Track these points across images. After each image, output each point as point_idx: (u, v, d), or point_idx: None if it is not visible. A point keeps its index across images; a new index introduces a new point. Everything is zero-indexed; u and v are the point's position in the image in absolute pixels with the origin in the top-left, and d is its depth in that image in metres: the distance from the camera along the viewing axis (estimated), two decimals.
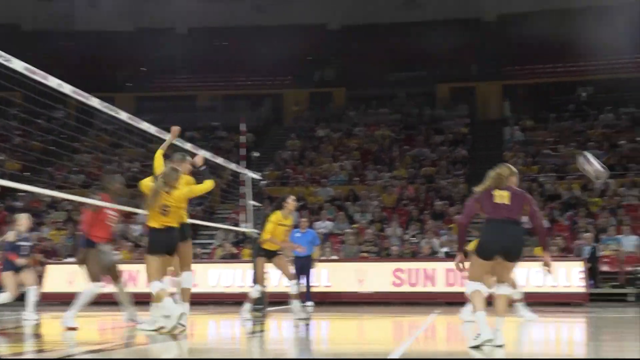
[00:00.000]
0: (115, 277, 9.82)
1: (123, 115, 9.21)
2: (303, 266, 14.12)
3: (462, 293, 10.53)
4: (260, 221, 12.19)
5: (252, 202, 12.66)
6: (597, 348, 8.54)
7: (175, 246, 8.68)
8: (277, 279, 14.75)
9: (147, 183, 8.84)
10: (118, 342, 8.45)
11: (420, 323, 11.52)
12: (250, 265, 11.99)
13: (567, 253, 17.60)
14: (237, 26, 31.41)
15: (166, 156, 9.24)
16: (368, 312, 13.91)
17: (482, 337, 7.13)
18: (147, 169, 10.51)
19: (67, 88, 8.06)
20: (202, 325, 11.07)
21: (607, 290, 17.01)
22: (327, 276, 16.72)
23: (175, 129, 9.45)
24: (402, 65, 30.41)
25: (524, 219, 7.48)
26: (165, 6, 31.18)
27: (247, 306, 11.47)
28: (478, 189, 7.56)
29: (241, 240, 19.33)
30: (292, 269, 12.21)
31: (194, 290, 9.50)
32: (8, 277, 11.13)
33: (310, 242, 14.33)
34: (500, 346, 7.07)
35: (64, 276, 16.66)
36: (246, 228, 12.74)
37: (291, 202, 11.75)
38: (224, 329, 10.96)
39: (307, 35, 30.65)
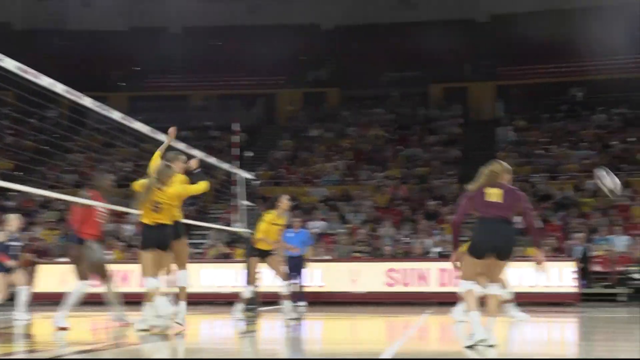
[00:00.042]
0: (104, 275, 9.76)
1: (116, 115, 9.19)
2: (296, 266, 14.12)
3: (455, 293, 10.57)
4: (253, 221, 12.17)
5: (245, 202, 12.64)
6: (588, 348, 8.57)
7: (168, 243, 8.63)
8: (269, 279, 14.75)
9: (141, 183, 8.83)
10: (109, 342, 8.43)
11: (413, 323, 11.54)
12: (243, 265, 11.98)
13: (559, 253, 17.65)
14: (231, 26, 31.40)
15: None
16: (361, 312, 13.93)
17: (476, 337, 7.12)
18: (140, 169, 10.49)
19: (59, 87, 8.04)
20: (195, 325, 11.06)
21: (599, 290, 17.06)
22: (321, 276, 16.73)
23: (172, 130, 9.44)
24: (395, 65, 30.43)
25: (517, 217, 7.45)
26: (159, 5, 31.15)
27: (239, 306, 11.47)
28: (471, 186, 7.52)
29: (234, 240, 19.31)
30: (285, 269, 12.20)
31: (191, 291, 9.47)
32: None
33: (303, 242, 14.33)
34: (492, 346, 7.07)
35: (55, 276, 16.61)
36: (239, 228, 12.72)
37: (285, 201, 11.76)
38: (217, 329, 10.95)
39: (301, 35, 30.67)
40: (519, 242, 7.57)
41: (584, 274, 16.88)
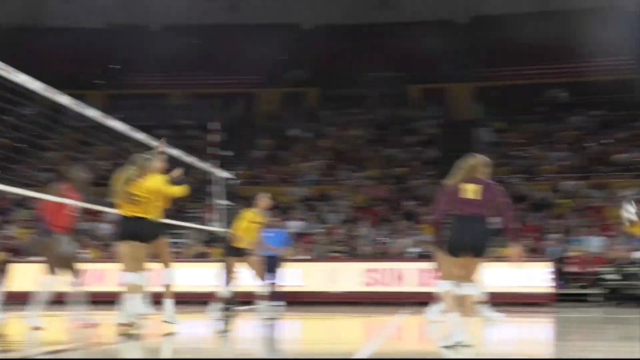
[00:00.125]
0: (71, 270, 9.59)
1: (93, 113, 9.14)
2: (273, 266, 14.09)
3: (433, 293, 10.61)
4: (231, 220, 12.14)
5: (223, 202, 12.63)
6: (562, 348, 8.65)
7: (145, 235, 8.51)
8: (247, 279, 14.71)
9: (120, 175, 8.73)
10: (81, 342, 8.35)
11: (390, 323, 11.57)
12: (221, 264, 11.96)
13: (535, 254, 17.78)
14: (210, 24, 31.33)
15: None
16: (340, 312, 13.94)
17: (455, 338, 7.05)
18: (117, 168, 10.41)
19: (36, 85, 7.99)
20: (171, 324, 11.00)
21: (574, 290, 17.21)
22: (300, 276, 16.72)
23: (162, 142, 9.33)
24: (375, 65, 30.50)
25: (495, 216, 7.33)
26: (138, 3, 31.01)
27: (216, 305, 11.44)
28: (448, 182, 7.38)
29: (211, 239, 19.27)
30: (262, 269, 12.18)
31: (161, 289, 9.40)
32: None
33: (282, 242, 14.31)
34: (468, 346, 7.06)
35: (30, 275, 16.45)
36: (216, 227, 12.70)
37: (264, 199, 11.74)
38: (193, 329, 10.91)
39: (281, 34, 30.65)
40: (495, 242, 7.49)
41: (560, 275, 17.02)
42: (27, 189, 9.48)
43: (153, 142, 9.51)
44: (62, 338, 9.13)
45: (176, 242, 20.33)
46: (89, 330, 9.33)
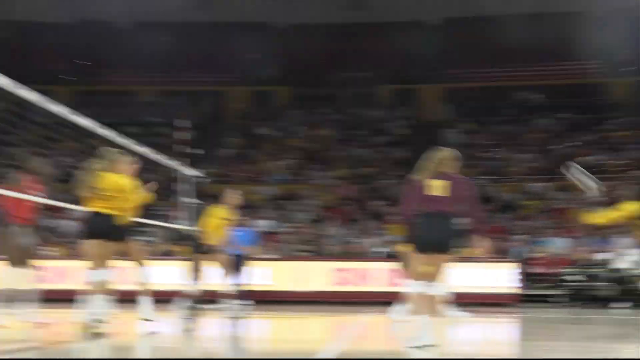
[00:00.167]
0: (25, 264, 9.37)
1: (60, 109, 9.05)
2: (242, 264, 14.06)
3: (401, 293, 10.65)
4: (200, 217, 12.08)
5: (192, 200, 12.58)
6: (526, 348, 8.74)
7: (111, 235, 8.41)
8: (214, 277, 14.67)
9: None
10: (40, 341, 8.23)
11: (357, 322, 11.61)
12: (188, 262, 11.91)
13: (501, 255, 17.94)
14: (181, 22, 31.12)
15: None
16: (308, 311, 13.95)
17: (423, 340, 6.99)
18: (84, 164, 10.30)
19: (2, 80, 7.89)
20: (135, 322, 10.94)
21: (538, 291, 17.39)
22: (269, 275, 16.68)
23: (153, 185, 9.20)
24: (345, 65, 30.56)
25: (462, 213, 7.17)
26: None
27: (183, 303, 11.39)
28: (417, 176, 7.25)
29: (179, 237, 19.17)
30: (230, 267, 12.16)
31: (128, 287, 9.32)
32: None
33: (250, 241, 14.28)
34: (433, 346, 7.05)
35: None
36: (184, 225, 12.65)
37: (234, 197, 11.69)
38: (159, 327, 10.85)
39: (252, 33, 30.55)
40: (463, 241, 7.45)
41: (525, 276, 17.20)
42: None
43: (120, 139, 9.41)
44: (23, 336, 9.02)
45: (143, 240, 20.20)
46: (47, 329, 9.21)
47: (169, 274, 16.79)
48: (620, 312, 14.17)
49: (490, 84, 29.20)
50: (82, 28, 30.92)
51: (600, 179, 20.91)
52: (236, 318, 11.27)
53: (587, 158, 23.54)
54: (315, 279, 16.75)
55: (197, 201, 12.87)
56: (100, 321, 8.27)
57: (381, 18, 30.33)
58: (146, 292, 8.85)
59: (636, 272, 10.40)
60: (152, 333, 8.50)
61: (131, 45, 30.77)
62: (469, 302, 13.36)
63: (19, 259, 9.36)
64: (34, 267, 9.53)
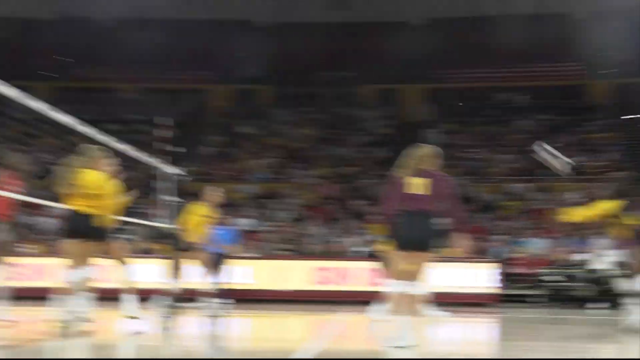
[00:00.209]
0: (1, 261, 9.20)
1: (39, 105, 8.98)
2: (222, 263, 14.02)
3: (383, 292, 10.67)
4: (180, 215, 12.03)
5: (172, 198, 12.52)
6: (505, 348, 8.79)
7: (91, 235, 8.35)
8: (194, 275, 14.62)
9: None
10: (14, 339, 8.15)
11: (337, 321, 11.62)
12: (168, 260, 11.86)
13: (480, 255, 18.02)
14: (163, 19, 30.99)
15: None
16: (289, 310, 13.94)
17: (403, 340, 6.95)
18: (63, 161, 10.23)
19: None
20: (113, 321, 10.89)
21: (518, 291, 17.49)
22: (250, 274, 16.65)
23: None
24: (328, 65, 30.56)
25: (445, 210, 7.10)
26: None
27: (162, 302, 11.34)
28: (398, 172, 7.19)
29: (159, 235, 19.08)
30: (210, 265, 12.12)
31: (108, 286, 9.26)
32: None
33: (231, 239, 14.25)
34: (412, 346, 7.04)
35: None
36: (164, 223, 12.59)
37: (215, 194, 11.64)
38: (136, 325, 10.80)
39: (235, 31, 30.48)
40: (443, 241, 7.42)
41: (504, 276, 17.29)
42: None
43: (101, 136, 9.35)
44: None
45: (123, 239, 20.09)
46: (21, 327, 9.11)
47: (148, 272, 16.77)
48: (598, 313, 14.27)
49: (472, 84, 29.33)
50: (63, 24, 30.71)
51: (580, 180, 21.12)
52: (216, 317, 11.23)
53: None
54: (296, 278, 16.74)
55: (178, 199, 12.81)
56: (81, 319, 8.22)
57: (365, 18, 30.37)
58: (130, 290, 8.81)
59: (613, 272, 10.48)
60: (137, 332, 8.45)
61: (112, 42, 30.62)
62: (448, 301, 13.41)
63: None
64: (8, 264, 9.42)
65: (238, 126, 27.62)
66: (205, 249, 11.80)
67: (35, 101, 8.92)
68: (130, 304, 8.70)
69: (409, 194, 7.05)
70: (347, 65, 30.42)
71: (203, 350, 7.96)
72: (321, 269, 16.84)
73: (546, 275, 17.21)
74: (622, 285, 10.50)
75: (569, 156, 11.14)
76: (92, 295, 8.88)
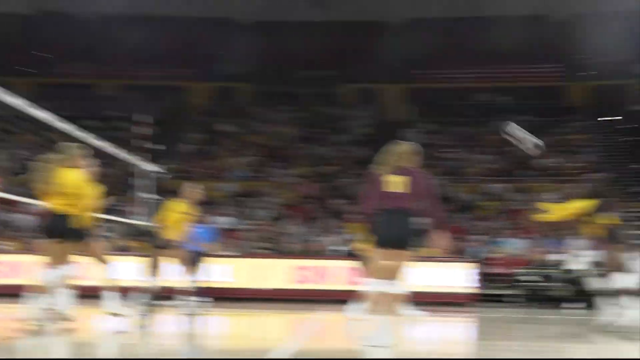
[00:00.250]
0: None
1: (18, 102, 8.92)
2: (200, 261, 13.98)
3: (361, 291, 10.69)
4: (159, 212, 11.97)
5: (151, 195, 12.47)
6: (481, 347, 8.85)
7: (66, 234, 8.29)
8: (172, 273, 14.57)
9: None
10: None
11: (316, 320, 11.63)
12: (146, 258, 11.81)
13: (458, 254, 18.11)
14: (142, 16, 30.83)
15: None
16: (268, 309, 13.93)
17: (380, 339, 6.94)
18: (41, 157, 10.16)
19: None
20: (89, 319, 10.83)
21: (495, 291, 17.60)
22: (229, 272, 16.62)
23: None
24: (309, 63, 30.57)
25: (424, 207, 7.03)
26: None
27: (139, 299, 11.29)
28: (377, 170, 7.13)
29: (137, 232, 19.00)
30: (188, 263, 12.08)
31: (86, 283, 9.22)
32: None
33: (209, 237, 14.21)
34: (390, 345, 7.02)
35: None
36: (142, 221, 12.53)
37: (194, 191, 11.58)
38: (112, 323, 10.75)
39: (215, 28, 30.40)
40: (421, 240, 7.40)
41: (482, 276, 17.39)
42: None
43: (79, 133, 9.29)
44: None
45: (102, 237, 19.97)
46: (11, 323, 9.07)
47: (126, 269, 16.68)
48: (574, 312, 14.40)
49: (452, 85, 29.46)
50: (42, 20, 30.48)
51: (558, 181, 21.30)
52: (193, 315, 11.20)
53: (545, 160, 23.91)
54: (275, 276, 16.74)
55: (156, 197, 12.75)
56: (61, 317, 8.17)
57: (346, 17, 30.40)
58: (111, 288, 8.77)
59: (588, 272, 10.60)
60: (117, 331, 8.41)
61: (92, 38, 30.43)
62: (426, 301, 13.46)
63: None
64: None
65: (218, 124, 27.55)
66: (183, 247, 11.75)
67: (14, 97, 8.86)
68: (111, 301, 8.67)
69: (388, 192, 7.01)
70: (328, 64, 30.44)
71: (180, 348, 7.94)
72: (301, 267, 16.85)
73: (523, 275, 17.34)
74: (595, 284, 10.63)
75: (543, 152, 11.22)
76: (73, 292, 8.83)
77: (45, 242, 8.28)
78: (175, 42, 28.81)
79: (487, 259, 18.30)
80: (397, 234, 7.02)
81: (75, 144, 8.71)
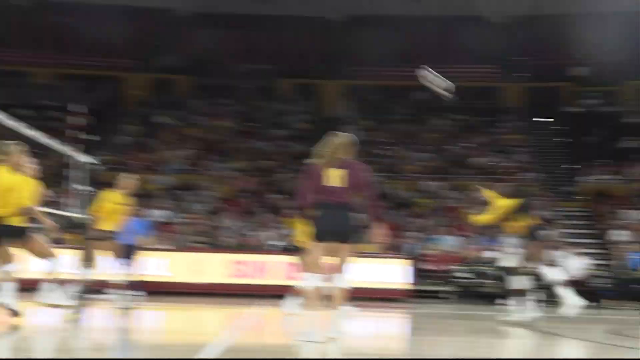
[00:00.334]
0: None
1: None
2: (133, 254, 13.80)
3: (297, 286, 10.70)
4: (93, 203, 11.74)
5: (85, 187, 12.25)
6: (413, 343, 8.95)
7: (3, 237, 8.05)
8: (105, 266, 14.34)
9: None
10: None
11: (251, 315, 11.60)
12: (79, 250, 11.58)
13: (394, 251, 18.30)
14: (80, 3, 30.21)
15: None
16: (205, 303, 13.84)
17: (315, 334, 6.93)
18: None
19: None
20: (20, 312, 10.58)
21: (429, 287, 17.85)
22: (165, 266, 16.46)
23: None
24: (248, 57, 30.42)
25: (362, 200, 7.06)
26: None
27: (69, 292, 11.06)
28: (315, 162, 7.08)
29: (70, 224, 18.64)
30: (122, 256, 11.90)
31: (23, 276, 8.95)
32: None
33: (144, 230, 14.04)
34: (323, 341, 7.02)
35: None
36: (76, 213, 12.30)
37: (129, 181, 11.39)
38: (43, 317, 10.53)
39: (155, 19, 30.00)
40: (359, 235, 7.41)
41: (417, 272, 17.61)
42: None
43: (10, 122, 9.03)
44: None
45: (39, 233, 19.52)
46: None
47: (59, 262, 16.34)
48: (506, 309, 14.67)
49: (390, 82, 29.68)
50: None
51: (492, 180, 21.69)
52: (127, 309, 11.05)
53: (480, 159, 24.34)
54: (212, 270, 16.66)
55: (90, 189, 12.52)
56: (9, 313, 7.97)
57: (285, 11, 30.34)
58: (58, 281, 8.60)
59: (514, 270, 10.87)
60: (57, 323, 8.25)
61: (27, 25, 29.68)
62: (361, 296, 13.55)
63: None
64: None
65: (155, 116, 27.19)
66: (117, 239, 11.56)
67: None
68: (52, 293, 8.50)
69: (326, 186, 6.98)
70: (266, 58, 30.35)
71: (112, 344, 7.82)
72: (238, 262, 16.80)
73: (457, 272, 17.62)
74: (513, 282, 10.92)
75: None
76: (14, 285, 8.61)
77: None
78: (113, 32, 28.29)
79: (422, 255, 18.55)
80: (336, 227, 7.00)
81: (13, 142, 8.43)
